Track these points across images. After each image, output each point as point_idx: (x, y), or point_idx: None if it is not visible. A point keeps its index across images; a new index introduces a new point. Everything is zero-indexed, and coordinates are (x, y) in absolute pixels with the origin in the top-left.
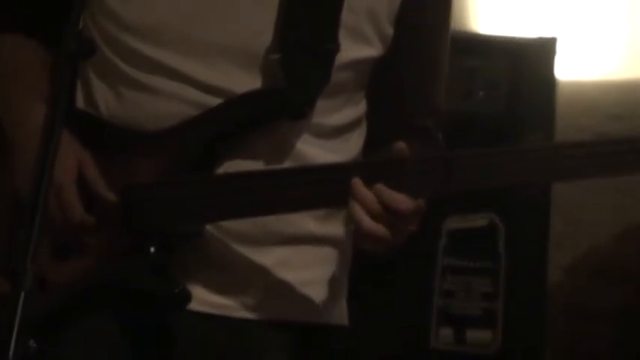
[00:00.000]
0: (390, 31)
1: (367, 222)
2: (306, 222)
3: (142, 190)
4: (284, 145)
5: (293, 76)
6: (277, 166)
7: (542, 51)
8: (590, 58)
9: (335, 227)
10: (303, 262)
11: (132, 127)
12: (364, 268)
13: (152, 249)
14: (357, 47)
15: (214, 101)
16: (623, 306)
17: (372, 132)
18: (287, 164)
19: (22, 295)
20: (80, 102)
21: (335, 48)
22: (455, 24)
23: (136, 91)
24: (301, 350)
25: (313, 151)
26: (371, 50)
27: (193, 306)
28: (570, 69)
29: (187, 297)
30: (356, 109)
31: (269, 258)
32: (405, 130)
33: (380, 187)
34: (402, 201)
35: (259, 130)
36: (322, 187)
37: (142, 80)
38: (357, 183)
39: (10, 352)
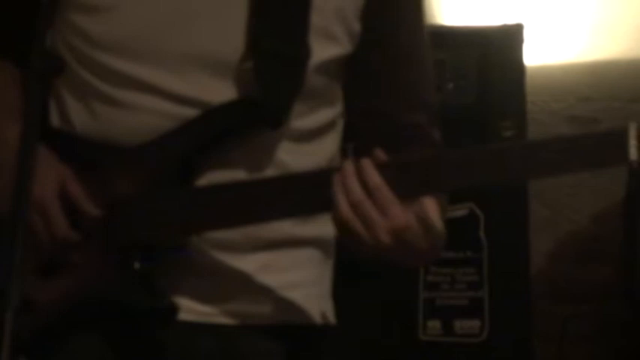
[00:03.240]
0: (357, 27)
1: (345, 207)
2: (287, 225)
3: (124, 205)
4: (262, 153)
5: (267, 85)
6: (257, 176)
7: (508, 38)
8: (557, 41)
9: (316, 228)
10: (286, 265)
11: (108, 142)
12: (348, 266)
13: (137, 264)
14: (327, 48)
15: (189, 112)
16: (605, 287)
17: (360, 134)
18: (267, 172)
19: (10, 314)
20: (55, 120)
21: (306, 53)
22: None
23: (110, 106)
24: (291, 353)
25: (291, 156)
26: (340, 49)
27: (180, 316)
28: (538, 54)
29: (174, 309)
30: (331, 109)
31: (251, 263)
32: (393, 129)
33: (366, 161)
34: (381, 183)
35: (237, 140)
36: (304, 194)
37: (114, 95)
38: (348, 167)
39: None
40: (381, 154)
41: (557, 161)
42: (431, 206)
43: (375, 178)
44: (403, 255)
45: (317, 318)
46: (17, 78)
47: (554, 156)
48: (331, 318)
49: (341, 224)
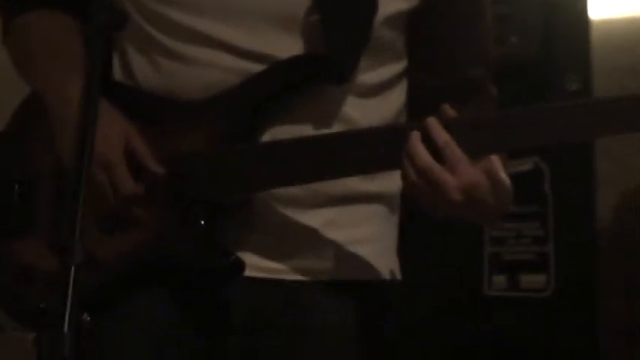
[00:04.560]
0: None
1: (413, 174)
2: (353, 181)
3: (189, 161)
4: (328, 108)
5: (333, 39)
6: (324, 131)
7: None
8: None
9: (382, 183)
10: (352, 220)
11: (172, 97)
12: (413, 222)
13: (202, 221)
14: (393, 2)
15: (255, 67)
16: None
17: (420, 89)
18: (333, 128)
19: (73, 269)
20: (118, 74)
21: (373, 6)
22: None
23: (175, 61)
24: (359, 309)
25: (357, 111)
26: (407, 3)
27: (246, 272)
28: (602, 7)
29: (241, 266)
30: (396, 64)
31: (317, 219)
32: (454, 85)
33: (432, 120)
34: (449, 140)
35: (303, 96)
36: (374, 151)
37: (180, 50)
38: (414, 134)
39: (65, 326)
40: (449, 109)
41: (629, 120)
42: (497, 162)
43: (443, 135)
44: (472, 213)
45: (384, 274)
46: (79, 32)
47: (624, 114)
48: (398, 274)
49: (411, 187)
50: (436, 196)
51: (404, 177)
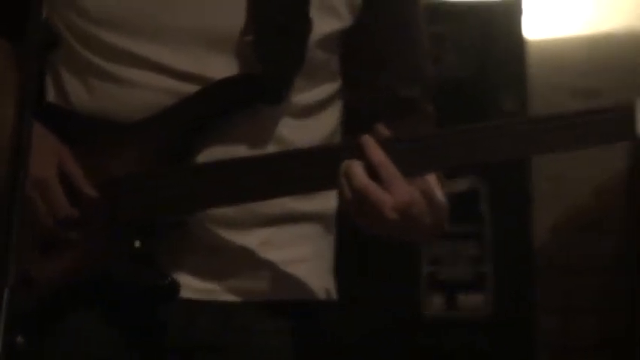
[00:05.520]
0: (358, 1)
1: (348, 193)
2: (289, 201)
3: (124, 183)
4: (263, 129)
5: (267, 60)
6: (258, 152)
7: (508, 12)
8: (557, 15)
9: (318, 203)
10: (288, 240)
11: (107, 119)
12: (350, 242)
13: (137, 242)
14: (328, 22)
15: (189, 88)
16: (608, 259)
17: (355, 109)
18: (268, 148)
19: (7, 291)
20: (52, 97)
21: (308, 27)
22: None
23: (108, 82)
24: (294, 329)
25: (291, 132)
26: (340, 23)
27: (181, 293)
28: (539, 28)
29: (176, 287)
30: (331, 84)
31: (253, 239)
32: (389, 102)
33: (367, 138)
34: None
35: (237, 116)
36: (310, 170)
37: (114, 72)
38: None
39: None
40: (383, 129)
41: (563, 137)
42: (434, 181)
43: (378, 154)
44: (408, 232)
45: (320, 293)
46: (12, 55)
47: (559, 132)
48: (333, 294)
49: (347, 206)
50: (372, 215)
51: (340, 196)
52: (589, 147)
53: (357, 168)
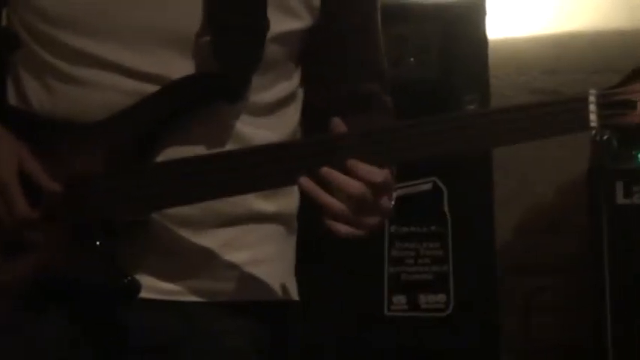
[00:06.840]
0: (317, 1)
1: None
2: (250, 201)
3: (83, 183)
4: (222, 127)
5: (225, 58)
6: (217, 150)
7: (471, 12)
8: (520, 14)
9: (280, 203)
10: (249, 241)
11: (66, 120)
12: (312, 241)
13: (97, 242)
14: (285, 21)
15: (149, 88)
16: (570, 259)
17: (315, 105)
18: (227, 146)
19: None
20: (12, 98)
21: (265, 25)
22: None
23: (67, 83)
24: (256, 329)
25: (251, 130)
26: (299, 23)
27: (142, 294)
28: (501, 27)
29: (137, 287)
30: (290, 82)
31: (214, 240)
32: (348, 98)
33: (353, 162)
34: (377, 173)
35: (196, 115)
36: (265, 168)
37: (73, 73)
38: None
39: None
40: (339, 123)
41: (520, 129)
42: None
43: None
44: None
45: (279, 294)
46: None
47: (516, 124)
48: (294, 294)
49: (305, 193)
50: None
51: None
52: (544, 138)
53: (346, 178)
